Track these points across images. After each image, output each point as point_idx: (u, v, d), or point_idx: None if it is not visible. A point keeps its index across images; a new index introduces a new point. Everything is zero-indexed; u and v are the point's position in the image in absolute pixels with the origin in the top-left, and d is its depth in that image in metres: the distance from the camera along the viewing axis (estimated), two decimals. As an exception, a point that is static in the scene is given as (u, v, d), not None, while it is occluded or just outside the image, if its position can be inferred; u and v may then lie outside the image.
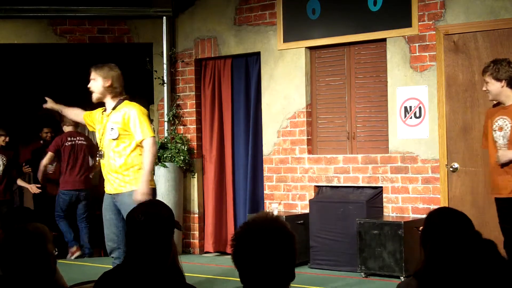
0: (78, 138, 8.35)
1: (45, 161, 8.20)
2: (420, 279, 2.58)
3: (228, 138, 8.42)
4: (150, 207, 2.81)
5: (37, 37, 8.52)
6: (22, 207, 8.27)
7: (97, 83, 5.46)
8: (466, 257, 1.84)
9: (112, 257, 5.39)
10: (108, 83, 5.44)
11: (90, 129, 5.80)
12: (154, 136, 5.40)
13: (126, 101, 5.47)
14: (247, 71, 8.32)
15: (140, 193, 5.16)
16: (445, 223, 3.00)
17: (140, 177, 5.25)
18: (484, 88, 5.50)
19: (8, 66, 9.28)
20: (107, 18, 8.58)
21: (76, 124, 8.37)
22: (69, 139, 8.27)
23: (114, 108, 5.43)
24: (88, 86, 5.49)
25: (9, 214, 4.08)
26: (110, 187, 5.40)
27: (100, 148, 5.45)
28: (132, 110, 5.36)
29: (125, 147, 5.34)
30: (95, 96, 5.48)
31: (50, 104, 5.87)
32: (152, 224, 2.72)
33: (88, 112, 5.73)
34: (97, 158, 5.46)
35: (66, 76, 9.79)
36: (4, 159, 8.31)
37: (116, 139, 5.33)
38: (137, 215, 2.75)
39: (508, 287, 1.82)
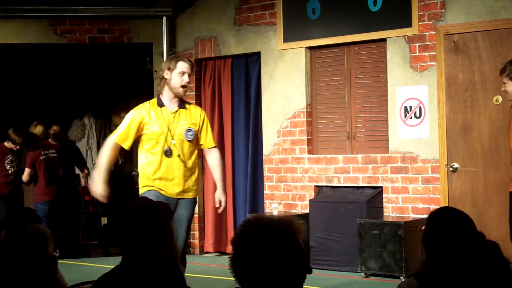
0: (50, 151, 8.41)
1: (25, 178, 8.33)
2: (421, 279, 2.57)
3: (228, 138, 8.42)
4: (142, 212, 2.76)
5: (37, 37, 8.52)
6: (23, 207, 8.28)
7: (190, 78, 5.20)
8: (469, 258, 1.84)
9: None
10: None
11: (127, 146, 5.14)
12: None
13: (185, 101, 5.26)
14: (247, 71, 8.32)
15: (224, 207, 5.27)
16: (447, 223, 3.00)
17: (196, 185, 5.21)
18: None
19: (8, 66, 9.27)
20: (107, 18, 8.58)
21: (46, 137, 8.44)
22: (42, 153, 8.34)
23: (183, 107, 5.16)
24: (187, 81, 5.11)
25: (10, 215, 4.08)
26: (174, 190, 5.08)
27: (168, 146, 5.05)
28: (205, 114, 5.26)
29: (193, 150, 5.17)
30: (184, 92, 5.15)
31: (104, 196, 5.19)
32: (145, 229, 2.69)
33: (124, 135, 5.08)
34: (165, 156, 5.04)
35: (66, 76, 9.79)
36: (16, 159, 8.41)
37: (191, 141, 5.12)
38: (130, 221, 2.71)
39: None
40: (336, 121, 7.60)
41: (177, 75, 5.10)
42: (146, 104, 5.18)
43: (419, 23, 6.92)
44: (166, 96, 5.15)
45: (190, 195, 5.16)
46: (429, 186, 6.89)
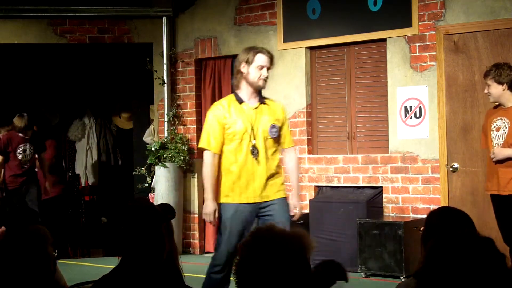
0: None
1: None
2: (419, 279, 2.57)
3: (228, 138, 8.41)
4: (137, 213, 2.76)
5: (37, 37, 8.52)
6: (24, 208, 8.26)
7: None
8: (465, 256, 1.84)
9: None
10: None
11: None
12: None
13: (265, 96, 4.86)
14: (247, 71, 8.30)
15: (300, 208, 4.89)
16: (445, 222, 3.00)
17: (284, 185, 4.82)
18: (486, 91, 5.72)
19: (8, 66, 9.28)
20: (107, 18, 8.58)
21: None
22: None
23: (263, 102, 4.81)
24: (266, 75, 4.73)
25: (11, 215, 4.08)
26: (257, 193, 4.71)
27: (253, 145, 4.68)
28: (286, 111, 4.91)
29: (277, 149, 4.81)
30: (264, 85, 4.81)
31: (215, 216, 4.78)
32: (141, 230, 2.70)
33: (217, 142, 4.69)
34: (252, 155, 4.68)
35: (66, 76, 9.80)
36: (31, 148, 8.10)
37: (275, 138, 4.76)
38: (126, 221, 2.72)
39: (508, 286, 1.82)
40: (336, 121, 7.59)
41: (255, 68, 4.70)
42: (223, 101, 4.81)
43: (419, 23, 6.92)
44: (245, 91, 4.76)
45: (281, 194, 4.79)
46: (429, 186, 6.89)
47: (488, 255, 1.84)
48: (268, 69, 4.75)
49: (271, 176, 4.73)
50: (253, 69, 4.70)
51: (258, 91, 4.79)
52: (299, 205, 4.89)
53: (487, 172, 5.78)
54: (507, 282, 1.82)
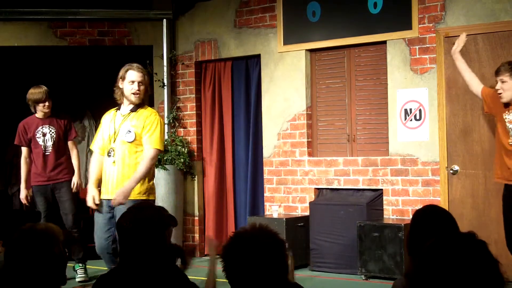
0: None
1: None
2: (411, 279, 2.58)
3: (229, 140, 8.42)
4: (138, 213, 2.79)
5: (37, 39, 8.52)
6: (22, 211, 8.21)
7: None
8: (459, 258, 1.84)
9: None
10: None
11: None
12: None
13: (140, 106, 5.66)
14: (247, 74, 8.32)
15: (119, 196, 5.36)
16: (428, 222, 3.02)
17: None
18: (498, 88, 5.58)
19: (8, 69, 9.27)
20: (107, 21, 8.59)
21: None
22: None
23: (134, 111, 5.60)
24: (137, 89, 5.57)
25: (9, 218, 4.03)
26: (110, 191, 5.57)
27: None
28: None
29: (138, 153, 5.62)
30: (136, 99, 5.67)
31: None
32: (141, 230, 2.70)
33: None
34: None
35: (66, 78, 9.79)
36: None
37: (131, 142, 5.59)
38: (125, 222, 2.75)
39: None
40: (336, 124, 7.59)
41: (128, 83, 5.55)
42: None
43: (419, 26, 6.92)
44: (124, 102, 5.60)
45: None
46: (429, 189, 6.88)
47: (481, 259, 1.84)
48: (140, 83, 5.53)
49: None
50: (126, 84, 5.56)
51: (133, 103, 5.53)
52: (120, 193, 5.30)
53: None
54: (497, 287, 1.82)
